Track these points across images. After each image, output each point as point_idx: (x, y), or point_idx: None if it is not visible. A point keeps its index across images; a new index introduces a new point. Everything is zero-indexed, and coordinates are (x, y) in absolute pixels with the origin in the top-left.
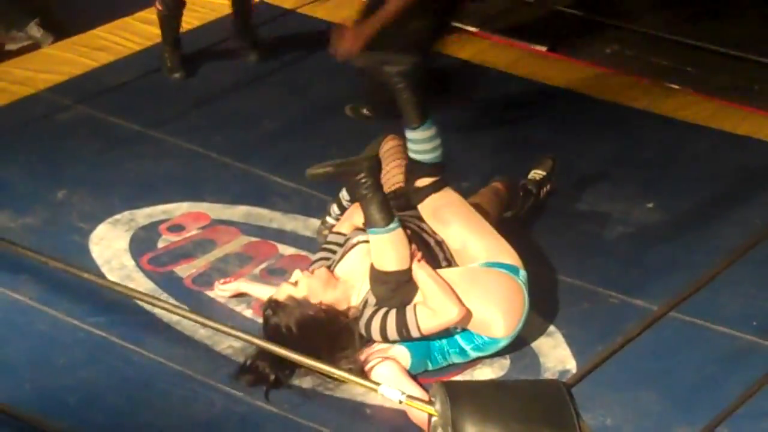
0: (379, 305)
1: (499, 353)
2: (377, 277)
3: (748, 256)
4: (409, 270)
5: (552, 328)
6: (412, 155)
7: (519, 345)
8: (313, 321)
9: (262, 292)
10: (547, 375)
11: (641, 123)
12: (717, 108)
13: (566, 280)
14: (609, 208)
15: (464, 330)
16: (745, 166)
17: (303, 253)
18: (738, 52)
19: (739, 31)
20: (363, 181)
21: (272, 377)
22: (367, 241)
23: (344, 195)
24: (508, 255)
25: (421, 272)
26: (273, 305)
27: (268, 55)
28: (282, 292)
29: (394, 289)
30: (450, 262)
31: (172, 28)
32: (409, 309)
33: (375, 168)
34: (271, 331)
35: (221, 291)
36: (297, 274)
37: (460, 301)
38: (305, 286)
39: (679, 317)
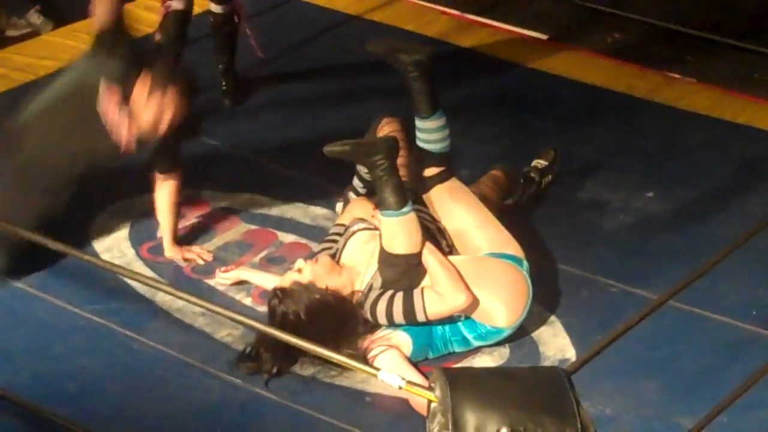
0: (385, 288)
1: (499, 342)
2: (386, 259)
3: (748, 245)
4: (419, 254)
5: (552, 317)
6: (420, 144)
7: (519, 334)
8: (321, 305)
9: (263, 279)
10: (547, 364)
11: (642, 112)
12: (718, 97)
13: (566, 269)
14: (609, 197)
15: (467, 318)
16: (745, 155)
17: (303, 240)
18: (739, 41)
19: (740, 20)
20: (380, 162)
21: (273, 367)
22: (366, 229)
23: (358, 183)
24: (512, 246)
25: (431, 257)
26: (279, 293)
27: (241, 100)
28: (287, 279)
29: (403, 272)
30: (451, 250)
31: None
32: (416, 293)
33: (393, 150)
34: (278, 319)
35: (222, 279)
36: (300, 263)
37: (468, 287)
38: (309, 273)
39: (678, 306)
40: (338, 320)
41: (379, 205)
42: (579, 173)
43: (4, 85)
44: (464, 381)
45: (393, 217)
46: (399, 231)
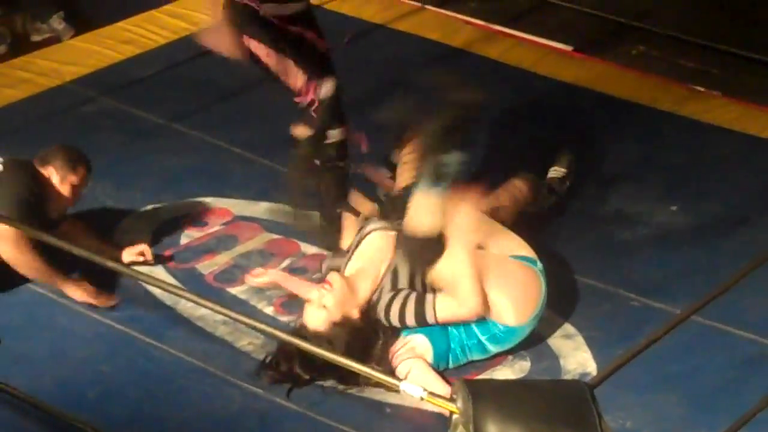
0: (406, 259)
1: (520, 354)
2: (408, 235)
3: None
4: (441, 236)
5: (573, 330)
6: None
7: (539, 347)
8: (355, 338)
9: (295, 286)
10: (568, 377)
11: (666, 125)
12: (743, 111)
13: (588, 282)
14: (632, 210)
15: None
16: None
17: (325, 252)
18: (764, 55)
19: (765, 34)
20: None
21: (294, 377)
22: (380, 229)
23: (385, 171)
24: (524, 248)
25: (462, 252)
26: (312, 336)
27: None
28: (314, 320)
29: (422, 246)
30: None
31: None
32: (428, 297)
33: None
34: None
35: (254, 280)
36: (317, 297)
37: (483, 296)
38: (335, 309)
39: (701, 321)
40: (365, 344)
41: (417, 176)
42: (602, 186)
43: (29, 89)
44: (486, 393)
45: (431, 189)
46: (429, 207)
